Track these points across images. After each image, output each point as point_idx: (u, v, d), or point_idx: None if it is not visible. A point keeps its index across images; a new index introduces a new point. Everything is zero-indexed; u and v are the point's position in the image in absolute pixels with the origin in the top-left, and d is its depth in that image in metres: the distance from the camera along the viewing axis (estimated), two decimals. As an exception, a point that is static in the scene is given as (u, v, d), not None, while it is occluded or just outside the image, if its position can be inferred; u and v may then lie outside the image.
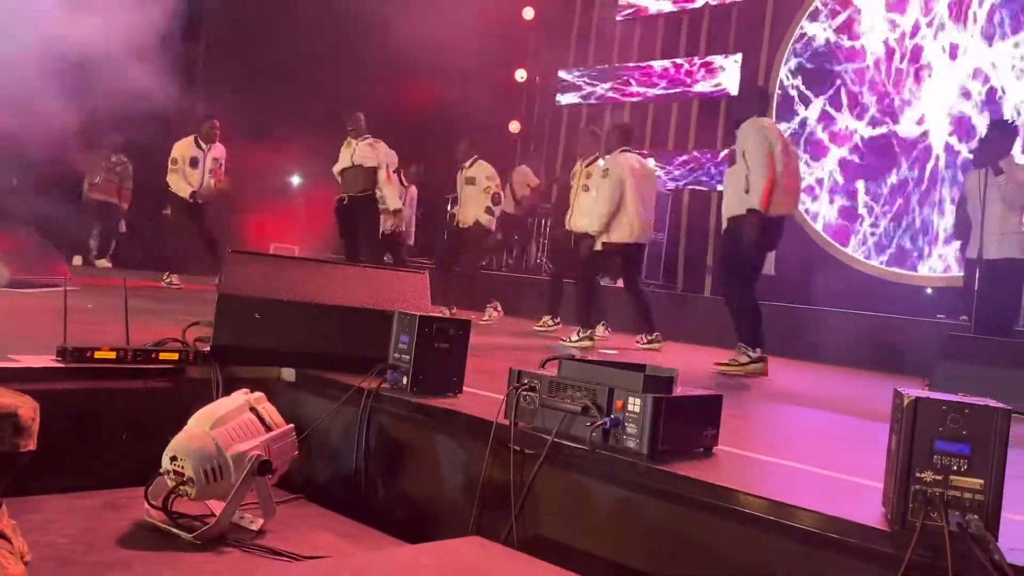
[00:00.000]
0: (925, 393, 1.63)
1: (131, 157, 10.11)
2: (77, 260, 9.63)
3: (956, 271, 8.00)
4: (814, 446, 2.97)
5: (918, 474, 1.58)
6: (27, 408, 1.76)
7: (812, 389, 5.19)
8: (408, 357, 2.74)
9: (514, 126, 12.93)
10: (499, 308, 8.03)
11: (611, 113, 11.98)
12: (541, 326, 7.26)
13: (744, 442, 2.51)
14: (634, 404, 2.07)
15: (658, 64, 11.72)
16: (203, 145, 8.28)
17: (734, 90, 10.77)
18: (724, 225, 5.41)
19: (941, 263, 8.74)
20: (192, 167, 8.21)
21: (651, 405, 2.04)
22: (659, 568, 1.97)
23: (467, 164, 8.09)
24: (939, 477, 1.57)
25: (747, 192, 5.09)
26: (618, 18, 12.21)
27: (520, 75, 13.08)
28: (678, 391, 2.19)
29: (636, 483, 2.04)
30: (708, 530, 1.91)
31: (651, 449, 2.04)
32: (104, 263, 9.87)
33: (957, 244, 7.62)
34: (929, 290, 8.75)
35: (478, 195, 7.96)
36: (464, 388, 2.84)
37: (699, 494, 1.93)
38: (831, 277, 8.99)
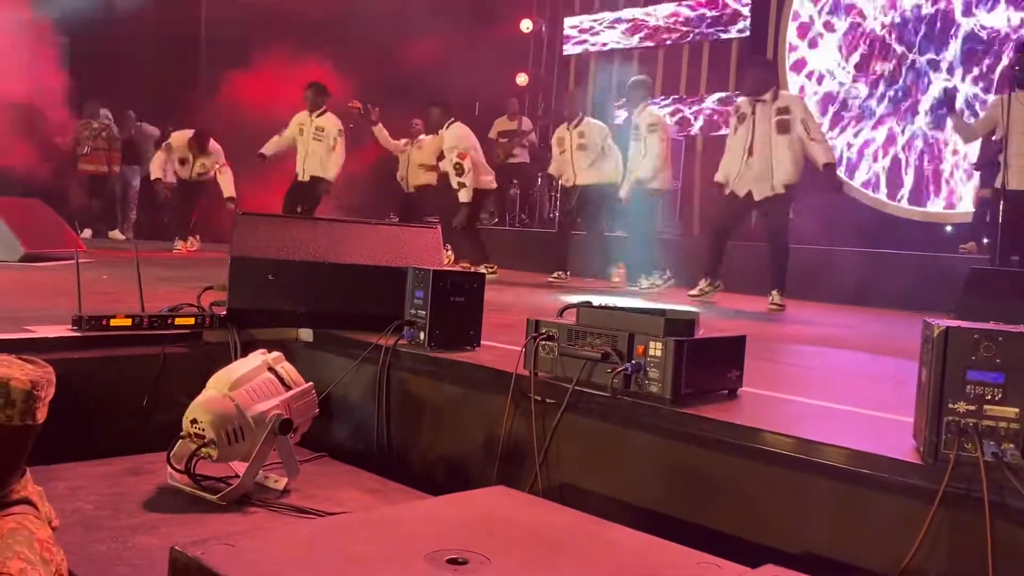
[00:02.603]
0: (956, 323, 1.58)
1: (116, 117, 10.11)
2: (87, 233, 9.61)
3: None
4: (839, 384, 2.94)
5: (951, 405, 1.55)
6: (19, 381, 1.51)
7: (834, 330, 5.14)
8: (424, 312, 2.72)
9: (521, 79, 12.71)
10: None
11: (619, 61, 11.77)
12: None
13: (769, 383, 2.47)
14: (655, 348, 2.04)
15: (667, 8, 11.47)
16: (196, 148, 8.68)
17: (745, 32, 10.54)
18: (777, 192, 5.72)
19: (960, 199, 8.59)
20: (180, 165, 8.72)
21: (673, 348, 2.01)
22: (686, 512, 1.95)
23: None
24: (972, 407, 1.53)
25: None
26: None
27: (526, 25, 12.83)
28: (700, 333, 2.15)
29: (660, 427, 2.01)
30: (735, 472, 1.89)
31: (674, 393, 2.01)
32: (116, 234, 9.85)
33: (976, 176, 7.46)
34: (948, 228, 8.60)
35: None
36: (482, 342, 2.81)
37: (724, 435, 1.90)
38: (849, 217, 8.84)
